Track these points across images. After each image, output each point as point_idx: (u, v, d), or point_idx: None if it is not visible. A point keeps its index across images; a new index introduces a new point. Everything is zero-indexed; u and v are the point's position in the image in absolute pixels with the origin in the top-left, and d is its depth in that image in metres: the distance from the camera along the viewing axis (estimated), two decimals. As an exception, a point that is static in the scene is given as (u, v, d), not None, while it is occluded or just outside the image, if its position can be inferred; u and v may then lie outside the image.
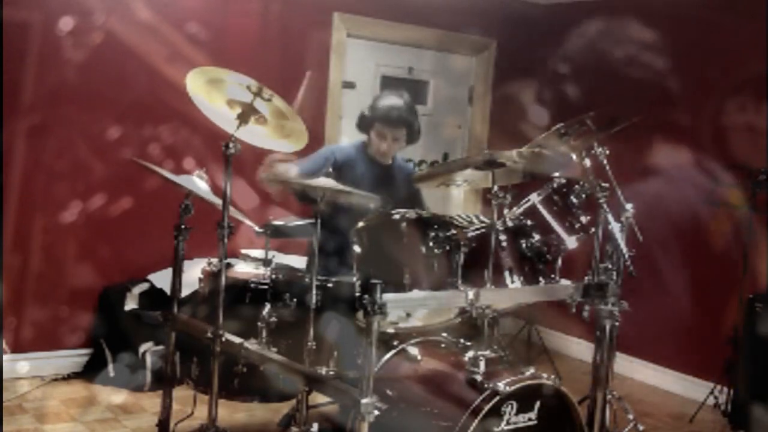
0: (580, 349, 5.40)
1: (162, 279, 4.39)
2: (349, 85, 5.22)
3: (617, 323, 2.90)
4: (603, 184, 3.04)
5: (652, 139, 4.86)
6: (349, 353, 3.02)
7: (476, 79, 5.80)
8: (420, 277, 2.71)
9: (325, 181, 2.95)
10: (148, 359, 4.24)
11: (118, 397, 4.13)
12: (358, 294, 2.80)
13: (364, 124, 3.66)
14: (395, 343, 3.10)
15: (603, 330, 2.91)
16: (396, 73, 5.48)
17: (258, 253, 3.44)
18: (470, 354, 2.92)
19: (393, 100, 3.59)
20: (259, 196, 4.33)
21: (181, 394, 3.51)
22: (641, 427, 3.83)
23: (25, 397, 4.03)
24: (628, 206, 3.43)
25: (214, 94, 2.95)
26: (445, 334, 3.21)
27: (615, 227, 3.03)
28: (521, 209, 2.92)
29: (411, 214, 2.79)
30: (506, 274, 2.79)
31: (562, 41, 5.63)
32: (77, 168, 4.34)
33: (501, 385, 2.68)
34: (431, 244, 2.71)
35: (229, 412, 3.86)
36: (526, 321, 5.35)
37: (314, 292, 2.82)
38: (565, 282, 2.90)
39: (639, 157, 4.90)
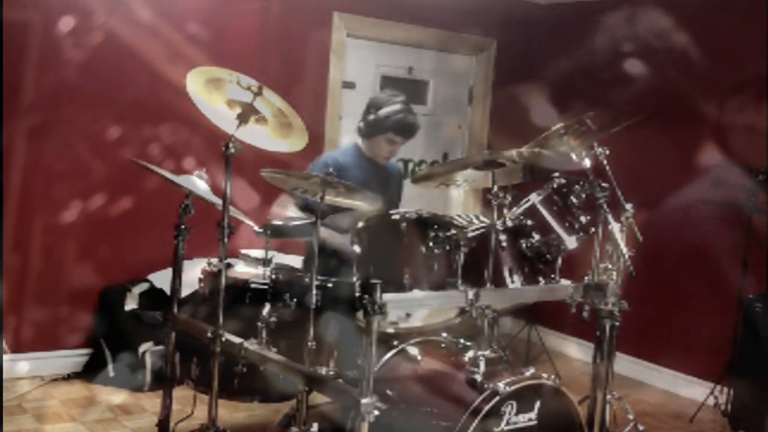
0: (580, 349, 5.40)
1: (162, 279, 4.39)
2: (349, 85, 5.22)
3: (617, 323, 2.90)
4: (603, 184, 3.04)
5: (653, 138, 4.86)
6: (349, 353, 3.02)
7: (476, 79, 5.80)
8: (420, 277, 2.70)
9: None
10: (148, 359, 4.23)
11: (118, 397, 4.13)
12: (358, 294, 2.80)
13: (373, 131, 3.65)
14: (395, 343, 3.10)
15: (603, 330, 2.91)
16: (396, 73, 5.48)
17: (258, 253, 3.43)
18: (470, 354, 2.92)
19: (399, 107, 3.61)
20: (259, 196, 4.34)
21: (181, 394, 3.50)
22: (641, 427, 3.83)
23: (25, 397, 4.03)
24: (628, 206, 3.43)
25: (213, 94, 2.95)
26: (445, 334, 3.21)
27: (615, 227, 3.03)
28: (521, 209, 2.92)
29: (411, 214, 2.79)
30: (506, 274, 2.79)
31: (562, 41, 5.63)
32: (77, 168, 4.34)
33: (501, 385, 2.68)
34: (431, 244, 2.71)
35: (229, 412, 3.86)
36: (526, 321, 5.35)
37: (314, 292, 2.82)
38: (565, 282, 2.90)
39: (639, 156, 4.90)
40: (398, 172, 3.99)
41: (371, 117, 3.64)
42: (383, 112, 3.61)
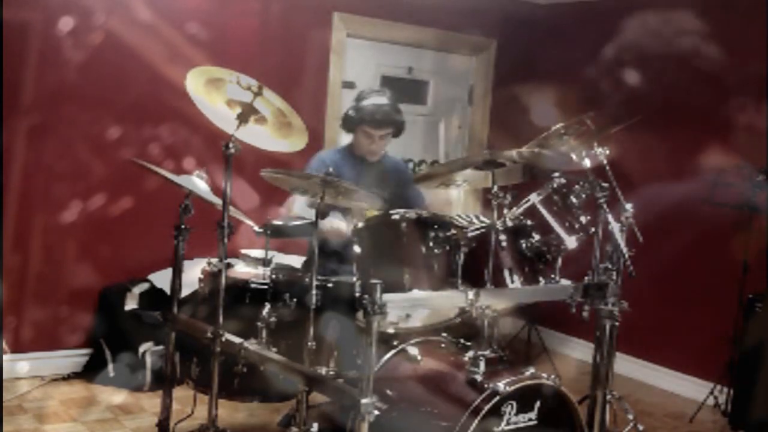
0: (580, 349, 5.40)
1: (162, 279, 4.39)
2: (349, 85, 5.22)
3: (617, 323, 2.90)
4: (603, 184, 3.04)
5: (653, 138, 4.86)
6: (349, 353, 3.02)
7: (476, 79, 5.80)
8: (420, 277, 2.71)
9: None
10: (148, 359, 4.23)
11: (118, 397, 4.13)
12: (358, 294, 2.81)
13: (349, 124, 3.65)
14: (395, 343, 3.10)
15: (603, 330, 2.91)
16: (396, 73, 5.49)
17: (258, 253, 3.43)
18: (470, 354, 2.92)
19: (377, 99, 3.59)
20: (259, 196, 4.34)
21: (181, 394, 3.51)
22: (641, 427, 3.83)
23: (25, 397, 4.03)
24: (628, 206, 3.43)
25: (213, 94, 2.95)
26: (445, 334, 3.21)
27: (615, 227, 3.03)
28: (521, 209, 2.92)
29: (411, 214, 2.79)
30: (506, 274, 2.79)
31: (562, 41, 5.63)
32: (77, 168, 4.34)
33: (501, 385, 2.68)
34: (431, 244, 2.71)
35: (229, 412, 3.86)
36: (526, 321, 5.35)
37: (314, 292, 2.82)
38: (565, 282, 2.90)
39: (639, 155, 4.90)
40: (399, 168, 3.91)
41: (349, 111, 3.63)
42: (361, 104, 3.60)
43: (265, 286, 3.11)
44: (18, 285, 4.21)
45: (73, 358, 4.40)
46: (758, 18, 4.45)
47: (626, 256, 3.03)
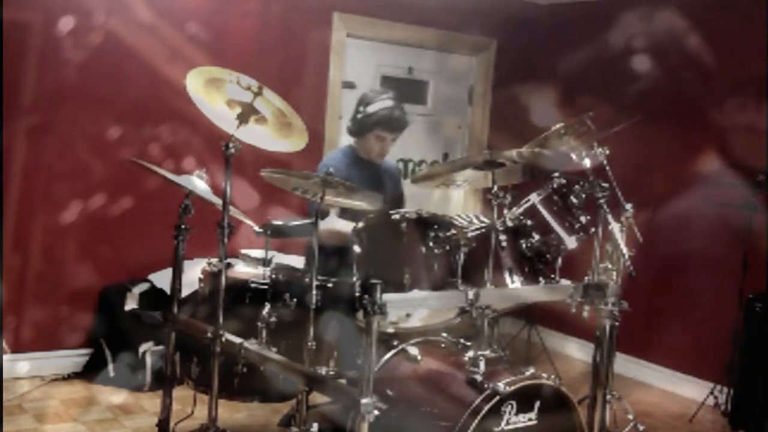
0: (580, 349, 5.40)
1: (162, 279, 4.39)
2: (349, 85, 5.22)
3: (617, 323, 2.91)
4: (603, 184, 3.04)
5: (653, 138, 4.86)
6: (349, 353, 3.02)
7: (476, 79, 5.80)
8: (420, 277, 2.71)
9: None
10: (148, 359, 4.23)
11: (118, 397, 4.13)
12: (358, 294, 2.80)
13: (360, 129, 3.65)
14: (395, 343, 3.10)
15: (603, 330, 2.91)
16: (396, 73, 5.48)
17: (258, 253, 3.43)
18: (470, 354, 2.92)
19: (387, 103, 3.59)
20: (259, 196, 4.34)
21: (181, 394, 3.51)
22: (641, 427, 3.83)
23: (25, 397, 4.03)
24: (628, 206, 3.43)
25: (213, 94, 2.95)
26: (445, 334, 3.21)
27: (615, 227, 3.03)
28: (521, 209, 2.92)
29: (411, 214, 2.79)
30: (506, 274, 2.79)
31: (561, 41, 5.63)
32: (77, 168, 4.34)
33: (501, 385, 2.68)
34: (431, 244, 2.71)
35: (229, 412, 3.87)
36: (526, 321, 5.35)
37: (314, 292, 2.82)
38: (565, 282, 2.90)
39: (640, 156, 4.90)
40: (393, 168, 3.95)
41: (359, 115, 3.63)
42: (370, 108, 3.60)
43: (265, 286, 3.10)
44: (18, 285, 4.21)
45: (73, 358, 4.40)
46: (758, 18, 4.45)
47: (626, 256, 3.03)
